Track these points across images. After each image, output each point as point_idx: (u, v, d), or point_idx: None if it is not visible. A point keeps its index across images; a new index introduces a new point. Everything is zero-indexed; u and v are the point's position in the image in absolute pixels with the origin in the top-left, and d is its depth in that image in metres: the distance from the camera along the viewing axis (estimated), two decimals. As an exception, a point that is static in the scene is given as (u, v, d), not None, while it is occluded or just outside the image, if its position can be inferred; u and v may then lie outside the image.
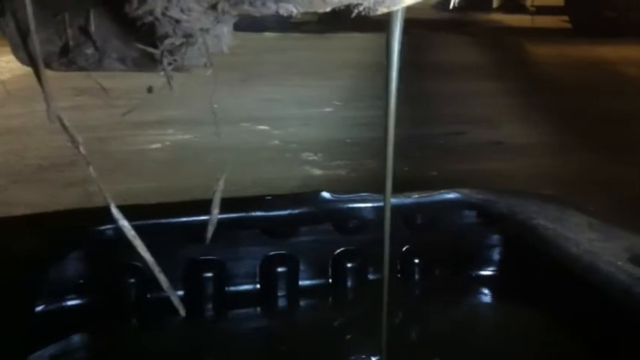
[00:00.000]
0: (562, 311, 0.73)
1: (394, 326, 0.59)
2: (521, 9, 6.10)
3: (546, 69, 3.40)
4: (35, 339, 0.68)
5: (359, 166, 1.59)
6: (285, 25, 4.24)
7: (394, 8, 0.39)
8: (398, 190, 0.81)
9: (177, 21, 0.38)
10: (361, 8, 0.39)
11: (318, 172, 1.56)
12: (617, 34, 4.26)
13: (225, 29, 0.43)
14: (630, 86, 2.93)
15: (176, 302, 0.41)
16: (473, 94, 2.68)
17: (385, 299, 0.53)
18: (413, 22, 4.67)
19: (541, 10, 5.51)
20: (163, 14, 0.36)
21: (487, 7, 6.50)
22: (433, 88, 2.73)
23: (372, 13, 0.40)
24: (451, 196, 0.84)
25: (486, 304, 0.84)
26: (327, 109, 2.09)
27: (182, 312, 0.40)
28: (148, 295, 0.76)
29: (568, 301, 0.71)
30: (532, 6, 5.64)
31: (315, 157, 1.66)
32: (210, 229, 0.39)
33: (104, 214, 0.40)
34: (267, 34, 4.14)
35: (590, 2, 4.66)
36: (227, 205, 0.76)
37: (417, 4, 0.41)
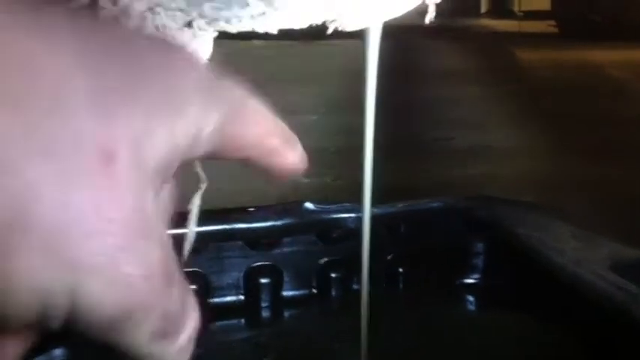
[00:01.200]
0: (546, 319, 0.73)
1: (378, 336, 0.59)
2: (509, 14, 6.14)
3: (534, 73, 3.41)
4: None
5: (344, 174, 1.59)
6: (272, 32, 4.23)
7: (370, 24, 0.39)
8: (384, 196, 0.81)
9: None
10: (337, 24, 0.39)
11: (303, 180, 1.56)
12: (604, 37, 4.28)
13: (204, 45, 0.43)
14: (617, 89, 2.95)
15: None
16: (460, 99, 2.69)
17: (365, 309, 0.53)
18: (399, 28, 4.68)
19: (528, 15, 5.55)
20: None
21: (475, 13, 6.54)
22: (420, 94, 2.74)
23: (348, 29, 0.39)
24: (435, 205, 0.84)
25: (470, 312, 0.84)
26: (313, 117, 2.09)
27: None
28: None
29: (552, 310, 0.71)
30: (519, 11, 5.67)
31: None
32: (187, 247, 0.39)
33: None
34: (255, 42, 4.15)
35: (577, 6, 4.70)
36: (210, 216, 0.76)
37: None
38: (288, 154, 0.31)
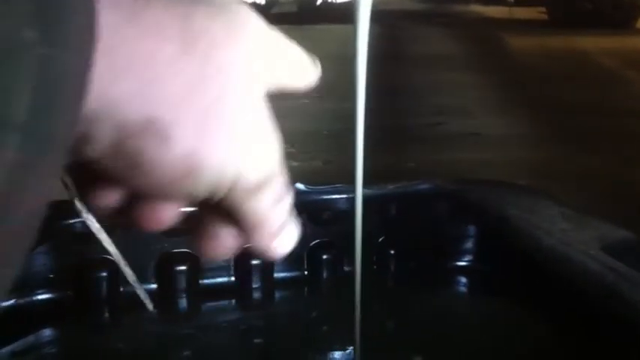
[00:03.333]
0: (536, 301, 0.73)
1: (369, 318, 0.59)
2: (500, 0, 6.13)
3: (524, 60, 3.42)
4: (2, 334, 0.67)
5: (335, 158, 1.59)
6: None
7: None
8: (374, 181, 0.81)
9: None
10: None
11: (294, 163, 1.56)
12: (594, 25, 4.29)
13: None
14: (606, 77, 2.96)
15: (143, 296, 0.41)
16: (450, 86, 2.69)
17: (357, 290, 0.53)
18: (390, 14, 4.66)
19: (519, 2, 5.54)
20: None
21: (465, -1, 6.53)
22: (410, 80, 2.74)
23: (338, 0, 0.39)
24: (426, 187, 0.84)
25: (461, 294, 0.84)
26: (305, 101, 2.09)
27: (150, 307, 0.40)
28: (121, 289, 0.75)
29: (542, 291, 0.72)
30: (510, -3, 5.67)
31: (292, 149, 1.65)
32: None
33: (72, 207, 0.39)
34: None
35: (568, -7, 4.69)
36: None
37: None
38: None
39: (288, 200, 0.37)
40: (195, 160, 0.30)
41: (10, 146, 0.21)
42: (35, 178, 0.22)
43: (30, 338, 0.69)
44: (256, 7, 0.40)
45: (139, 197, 0.33)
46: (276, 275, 0.81)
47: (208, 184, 0.31)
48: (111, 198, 0.33)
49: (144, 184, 0.31)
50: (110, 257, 0.72)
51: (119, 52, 0.27)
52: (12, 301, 0.71)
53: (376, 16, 0.42)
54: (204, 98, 0.30)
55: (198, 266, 0.79)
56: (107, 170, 0.30)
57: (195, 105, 0.30)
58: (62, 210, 0.72)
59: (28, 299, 0.72)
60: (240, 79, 0.31)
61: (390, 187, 0.84)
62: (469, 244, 0.84)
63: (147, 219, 0.33)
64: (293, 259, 0.82)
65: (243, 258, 0.80)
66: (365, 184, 0.50)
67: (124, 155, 0.29)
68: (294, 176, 0.81)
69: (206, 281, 0.79)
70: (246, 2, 0.42)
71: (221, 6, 0.32)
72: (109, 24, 0.25)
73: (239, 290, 0.80)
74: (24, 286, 0.72)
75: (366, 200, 0.53)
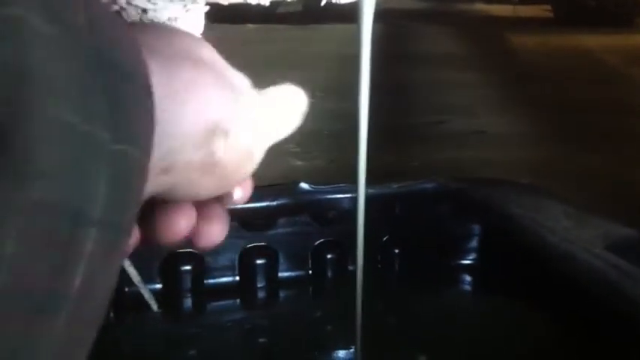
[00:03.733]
0: (540, 299, 0.73)
1: (373, 317, 0.59)
2: (504, -2, 6.12)
3: (528, 58, 3.41)
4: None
5: (339, 157, 1.59)
6: (267, 16, 4.22)
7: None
8: (378, 180, 0.81)
9: (144, 10, 0.37)
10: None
11: (298, 163, 1.56)
12: (599, 23, 4.28)
13: (196, 18, 0.43)
14: (612, 75, 2.95)
15: (147, 296, 0.41)
16: (454, 84, 2.69)
17: (359, 289, 0.53)
18: (394, 12, 4.66)
19: (523, 0, 5.52)
20: (128, 3, 0.36)
21: (469, -3, 6.51)
22: (414, 78, 2.74)
23: (342, 1, 0.39)
24: (430, 186, 0.84)
25: (465, 292, 0.84)
26: (309, 100, 2.08)
27: (154, 307, 0.40)
28: (126, 289, 0.75)
29: (545, 289, 0.72)
30: (514, -5, 5.65)
31: (297, 149, 1.66)
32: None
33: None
34: (250, 25, 4.13)
35: (572, -9, 4.68)
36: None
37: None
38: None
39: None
40: (250, 148, 0.33)
41: (90, 239, 0.22)
42: (108, 266, 0.24)
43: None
44: (260, 8, 0.40)
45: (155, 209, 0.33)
46: (280, 275, 0.82)
47: (253, 168, 0.34)
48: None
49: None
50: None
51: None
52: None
53: (380, 15, 0.42)
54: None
55: (202, 266, 0.79)
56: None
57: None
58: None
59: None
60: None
61: (394, 186, 0.84)
62: (473, 243, 0.84)
63: (172, 225, 0.33)
64: (297, 258, 0.82)
65: (247, 257, 0.80)
66: (368, 183, 0.51)
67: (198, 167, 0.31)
68: (298, 175, 0.82)
69: (210, 281, 0.80)
70: (250, 4, 0.42)
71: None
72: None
73: (243, 290, 0.80)
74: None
75: (369, 199, 0.53)
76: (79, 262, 0.22)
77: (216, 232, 0.36)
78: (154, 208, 0.33)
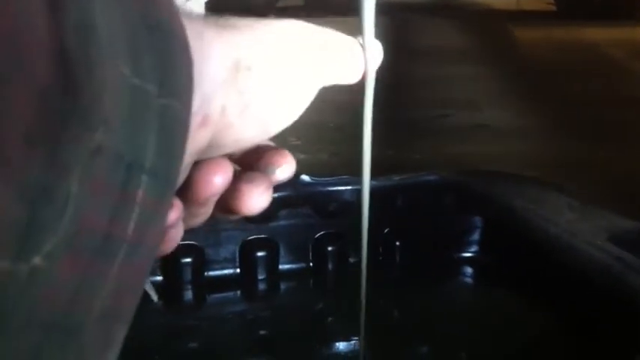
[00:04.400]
0: (541, 291, 0.73)
1: (374, 309, 0.59)
2: (507, -8, 6.10)
3: (531, 52, 3.40)
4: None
5: (341, 150, 1.58)
6: (268, 9, 4.21)
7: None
8: (381, 173, 0.81)
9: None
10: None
11: (300, 156, 1.55)
12: (602, 16, 4.26)
13: (196, 7, 0.42)
14: (615, 69, 2.94)
15: (148, 288, 0.41)
16: (457, 77, 2.68)
17: (363, 280, 0.53)
18: (396, 5, 4.65)
19: (526, -7, 5.50)
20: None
21: (472, -10, 6.50)
22: (417, 71, 2.73)
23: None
24: (432, 178, 0.84)
25: (467, 285, 0.84)
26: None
27: (154, 298, 0.40)
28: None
29: (548, 282, 0.71)
30: (517, -11, 5.63)
31: (298, 142, 1.65)
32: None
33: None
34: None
35: (575, -16, 4.66)
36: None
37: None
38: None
39: None
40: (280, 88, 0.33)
41: (141, 187, 0.23)
42: (157, 216, 0.25)
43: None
44: (261, 0, 0.40)
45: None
46: (281, 267, 0.82)
47: (295, 114, 0.34)
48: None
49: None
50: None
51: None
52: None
53: (382, 8, 0.41)
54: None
55: (203, 258, 0.79)
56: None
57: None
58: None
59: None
60: None
61: (396, 179, 0.83)
62: (475, 235, 0.83)
63: (208, 178, 0.32)
64: (298, 251, 0.82)
65: (248, 249, 0.80)
66: (371, 176, 0.50)
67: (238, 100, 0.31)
68: (300, 168, 0.81)
69: (211, 273, 0.80)
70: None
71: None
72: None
73: (244, 282, 0.80)
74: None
75: (372, 192, 0.53)
76: (132, 209, 0.23)
77: (257, 193, 0.34)
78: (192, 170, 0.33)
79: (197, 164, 0.32)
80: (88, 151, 0.21)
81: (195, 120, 0.28)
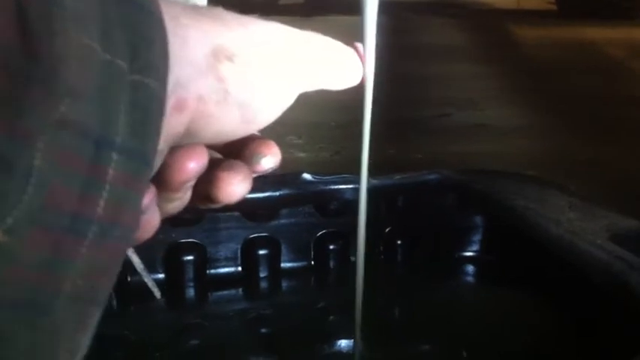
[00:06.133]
0: (543, 291, 0.73)
1: (375, 308, 0.59)
2: (507, -9, 6.09)
3: (532, 51, 3.40)
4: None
5: (343, 149, 1.58)
6: (270, 7, 4.21)
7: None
8: (382, 172, 0.81)
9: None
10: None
11: (302, 155, 1.56)
12: (603, 15, 4.26)
13: (199, 2, 0.42)
14: (615, 67, 2.94)
15: (150, 284, 0.41)
16: (457, 77, 2.68)
17: (360, 279, 0.53)
18: (397, 4, 4.65)
19: (527, -8, 5.50)
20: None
21: (473, -10, 6.49)
22: (417, 71, 2.73)
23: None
24: (432, 177, 0.84)
25: (468, 284, 0.84)
26: (311, 92, 2.08)
27: (157, 294, 0.40)
28: (129, 278, 0.75)
29: (549, 281, 0.72)
30: (518, -12, 5.63)
31: (299, 141, 1.65)
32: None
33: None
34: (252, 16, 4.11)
35: (576, -16, 4.66)
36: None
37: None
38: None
39: None
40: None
41: (111, 164, 0.23)
42: (131, 196, 0.24)
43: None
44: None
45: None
46: (282, 265, 0.82)
47: (277, 111, 0.34)
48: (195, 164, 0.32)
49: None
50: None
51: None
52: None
53: (383, 7, 0.42)
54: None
55: (205, 257, 0.79)
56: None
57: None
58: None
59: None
60: None
61: (397, 178, 0.83)
62: (476, 234, 0.84)
63: (182, 163, 0.31)
64: (300, 249, 0.82)
65: (250, 248, 0.80)
66: (371, 175, 0.51)
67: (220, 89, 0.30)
68: (302, 167, 0.81)
69: (213, 271, 0.80)
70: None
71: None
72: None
73: (246, 280, 0.80)
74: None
75: (372, 191, 0.53)
76: (102, 186, 0.23)
77: (236, 180, 0.33)
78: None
79: (173, 149, 0.31)
80: (53, 122, 0.20)
81: (169, 102, 0.28)
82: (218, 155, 0.35)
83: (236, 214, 0.79)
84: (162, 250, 0.77)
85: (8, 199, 0.20)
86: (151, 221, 0.32)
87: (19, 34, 0.20)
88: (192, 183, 0.33)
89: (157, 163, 0.30)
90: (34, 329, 0.22)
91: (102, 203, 0.23)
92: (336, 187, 0.81)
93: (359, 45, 0.38)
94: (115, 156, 0.23)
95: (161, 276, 0.77)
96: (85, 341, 0.24)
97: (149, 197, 0.31)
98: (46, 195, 0.20)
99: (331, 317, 0.75)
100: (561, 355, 0.66)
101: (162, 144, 0.28)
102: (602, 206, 0.71)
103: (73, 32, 0.21)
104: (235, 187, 0.33)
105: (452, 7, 5.13)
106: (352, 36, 0.40)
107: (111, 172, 0.23)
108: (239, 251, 0.80)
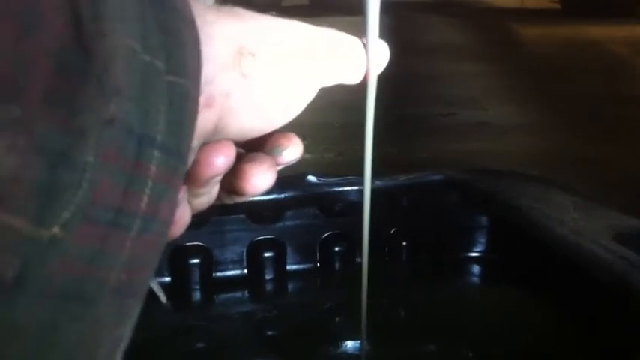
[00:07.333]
0: (547, 290, 0.73)
1: (380, 309, 0.59)
2: (510, -10, 6.09)
3: (534, 50, 3.40)
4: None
5: (348, 150, 1.59)
6: (273, 8, 4.21)
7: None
8: (386, 172, 0.81)
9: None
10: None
11: (306, 156, 1.56)
12: (606, 14, 4.26)
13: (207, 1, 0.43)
14: (618, 66, 2.94)
15: (156, 288, 0.41)
16: (461, 76, 2.68)
17: (365, 280, 0.53)
18: (400, 4, 4.65)
19: (530, -9, 5.50)
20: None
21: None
22: (420, 70, 2.73)
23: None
24: (437, 177, 0.84)
25: (473, 284, 0.84)
26: (317, 93, 2.08)
27: (163, 299, 0.40)
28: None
29: (553, 280, 0.72)
30: (521, -14, 5.63)
31: (305, 142, 1.66)
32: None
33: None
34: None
35: (579, -18, 4.66)
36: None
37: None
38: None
39: None
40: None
41: (153, 161, 0.24)
42: (169, 191, 0.25)
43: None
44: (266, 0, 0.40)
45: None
46: (288, 267, 0.82)
47: (298, 107, 0.34)
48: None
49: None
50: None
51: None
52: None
53: (386, 6, 0.42)
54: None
55: (211, 259, 0.80)
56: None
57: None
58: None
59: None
60: None
61: (401, 178, 0.84)
62: (481, 235, 0.84)
63: (210, 159, 0.32)
64: (305, 251, 0.82)
65: (255, 250, 0.81)
66: (375, 176, 0.51)
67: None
68: (307, 168, 0.82)
69: (219, 274, 0.80)
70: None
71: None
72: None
73: (252, 282, 0.81)
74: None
75: (377, 192, 0.54)
76: (146, 182, 0.23)
77: (260, 171, 0.34)
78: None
79: (201, 146, 0.32)
80: (102, 121, 0.21)
81: (200, 100, 0.28)
82: (241, 150, 0.36)
83: (241, 216, 0.80)
84: (168, 253, 0.77)
85: (67, 194, 0.20)
86: (182, 217, 0.33)
87: (74, 35, 0.20)
88: (219, 178, 0.34)
89: (190, 160, 0.31)
90: (81, 320, 0.22)
91: (145, 199, 0.23)
92: (341, 189, 0.81)
93: (363, 39, 0.38)
94: (156, 154, 0.24)
95: (167, 279, 0.77)
96: (127, 333, 0.25)
97: (181, 193, 0.32)
98: (96, 191, 0.21)
99: (337, 318, 0.75)
100: (566, 353, 0.66)
101: (194, 141, 0.29)
102: (605, 206, 0.72)
103: (119, 33, 0.22)
104: (260, 177, 0.34)
105: (455, 6, 5.13)
106: (356, 36, 0.40)
107: (153, 169, 0.24)
108: (244, 253, 0.81)
